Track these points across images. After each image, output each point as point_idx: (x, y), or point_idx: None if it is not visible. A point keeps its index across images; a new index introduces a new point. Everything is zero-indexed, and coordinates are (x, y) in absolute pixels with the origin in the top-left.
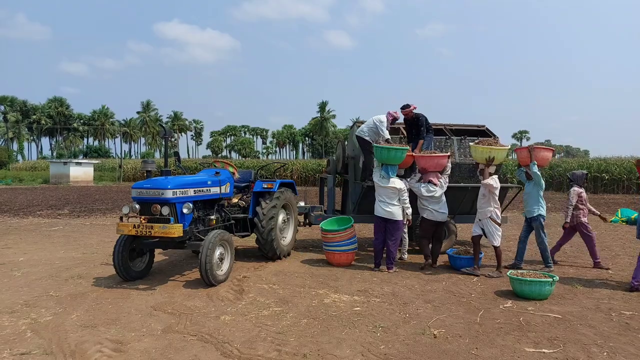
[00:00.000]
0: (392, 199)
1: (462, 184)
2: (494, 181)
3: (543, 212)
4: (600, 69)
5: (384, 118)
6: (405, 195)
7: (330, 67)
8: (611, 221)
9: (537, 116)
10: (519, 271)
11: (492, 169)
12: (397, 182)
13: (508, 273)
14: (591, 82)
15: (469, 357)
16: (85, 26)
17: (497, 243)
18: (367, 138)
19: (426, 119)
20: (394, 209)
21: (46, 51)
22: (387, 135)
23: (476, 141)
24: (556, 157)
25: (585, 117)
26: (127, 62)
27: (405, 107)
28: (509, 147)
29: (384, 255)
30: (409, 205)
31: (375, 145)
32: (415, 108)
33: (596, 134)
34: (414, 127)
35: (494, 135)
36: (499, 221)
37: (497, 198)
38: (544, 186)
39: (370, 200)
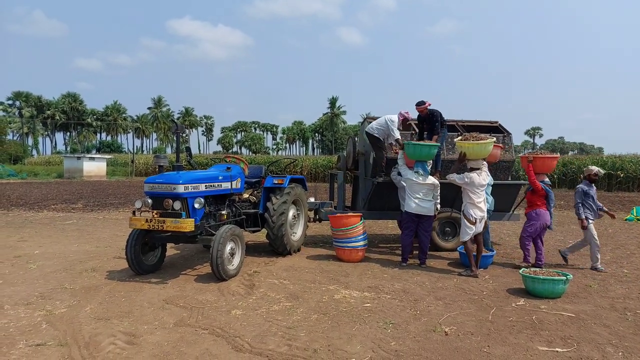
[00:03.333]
0: (428, 195)
1: None
2: (457, 177)
3: None
4: (615, 65)
5: (395, 118)
6: (438, 191)
7: (342, 63)
8: (626, 219)
9: (551, 113)
10: (532, 269)
11: (475, 164)
12: (432, 179)
13: (521, 271)
14: (605, 79)
15: (481, 355)
16: (101, 23)
17: (463, 239)
18: (376, 134)
19: (441, 114)
20: (429, 205)
21: (62, 48)
22: (397, 135)
23: (462, 137)
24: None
25: (600, 115)
26: (140, 58)
27: (420, 104)
28: (486, 142)
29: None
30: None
31: (409, 143)
32: (429, 105)
33: (610, 132)
34: (426, 122)
35: (507, 132)
36: (470, 218)
37: (474, 194)
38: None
39: (381, 196)
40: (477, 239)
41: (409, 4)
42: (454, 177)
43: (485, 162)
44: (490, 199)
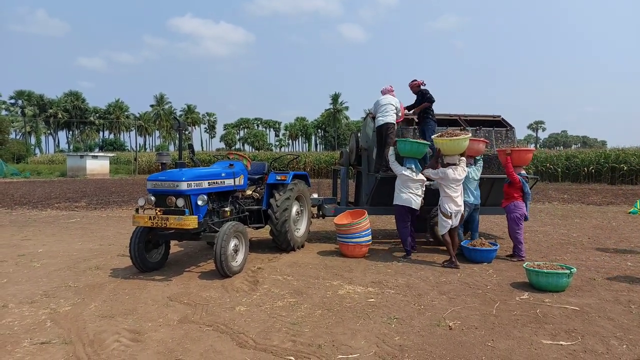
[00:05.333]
0: (419, 190)
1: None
2: (431, 172)
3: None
4: (617, 58)
5: (391, 95)
6: (424, 187)
7: (343, 59)
8: (630, 212)
9: (553, 107)
10: (536, 263)
11: (451, 159)
12: (422, 175)
13: (525, 265)
14: (608, 72)
15: (485, 348)
16: (103, 22)
17: (440, 232)
18: (390, 120)
19: (428, 94)
20: (420, 200)
21: (64, 46)
22: (397, 103)
23: (439, 133)
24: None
25: (603, 108)
26: (143, 56)
27: (412, 80)
28: (459, 138)
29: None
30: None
31: (404, 140)
32: (421, 83)
33: (614, 125)
34: (416, 100)
35: (510, 126)
36: (446, 212)
37: (449, 189)
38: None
39: (384, 191)
40: (451, 232)
41: (410, 0)
42: (428, 172)
43: (463, 158)
44: (477, 193)
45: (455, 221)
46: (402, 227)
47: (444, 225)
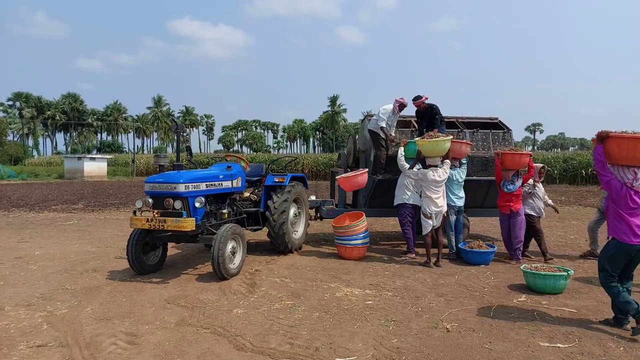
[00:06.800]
0: (418, 189)
1: (474, 177)
2: (411, 172)
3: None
4: (615, 60)
5: (388, 106)
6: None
7: (342, 61)
8: None
9: (551, 109)
10: (533, 265)
11: (432, 161)
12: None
13: (522, 267)
14: (606, 73)
15: (483, 351)
16: (102, 23)
17: (423, 233)
18: (371, 128)
19: (439, 109)
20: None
21: (64, 48)
22: (382, 123)
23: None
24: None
25: (600, 109)
26: (142, 58)
27: (416, 99)
28: (438, 140)
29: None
30: None
31: (411, 141)
32: (427, 98)
33: (611, 126)
34: (425, 117)
35: (507, 128)
36: (426, 212)
37: (428, 190)
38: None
39: (382, 194)
40: (436, 232)
41: (409, 2)
42: (409, 173)
43: (447, 161)
44: (460, 194)
45: (436, 222)
46: (406, 225)
47: (426, 227)
